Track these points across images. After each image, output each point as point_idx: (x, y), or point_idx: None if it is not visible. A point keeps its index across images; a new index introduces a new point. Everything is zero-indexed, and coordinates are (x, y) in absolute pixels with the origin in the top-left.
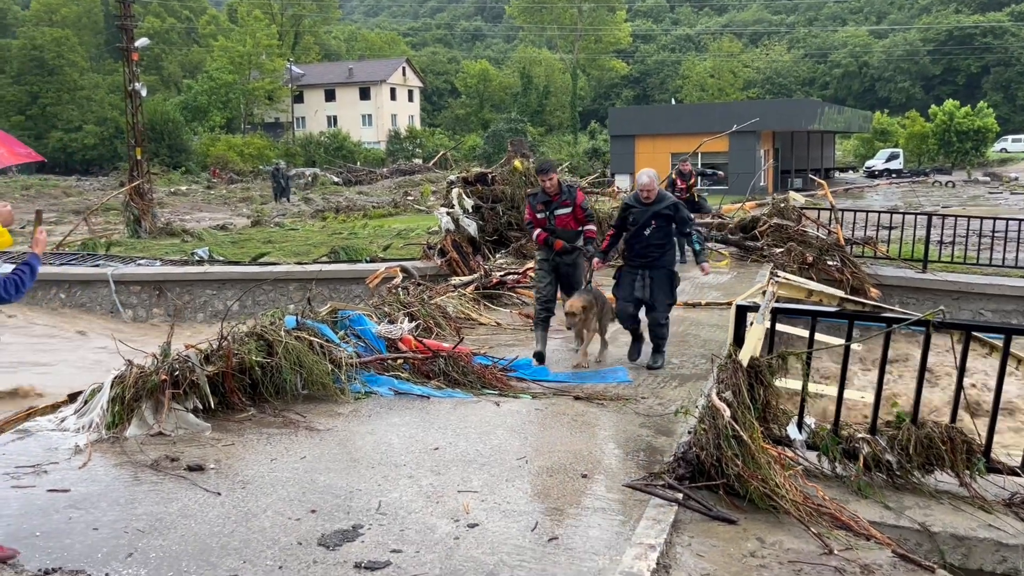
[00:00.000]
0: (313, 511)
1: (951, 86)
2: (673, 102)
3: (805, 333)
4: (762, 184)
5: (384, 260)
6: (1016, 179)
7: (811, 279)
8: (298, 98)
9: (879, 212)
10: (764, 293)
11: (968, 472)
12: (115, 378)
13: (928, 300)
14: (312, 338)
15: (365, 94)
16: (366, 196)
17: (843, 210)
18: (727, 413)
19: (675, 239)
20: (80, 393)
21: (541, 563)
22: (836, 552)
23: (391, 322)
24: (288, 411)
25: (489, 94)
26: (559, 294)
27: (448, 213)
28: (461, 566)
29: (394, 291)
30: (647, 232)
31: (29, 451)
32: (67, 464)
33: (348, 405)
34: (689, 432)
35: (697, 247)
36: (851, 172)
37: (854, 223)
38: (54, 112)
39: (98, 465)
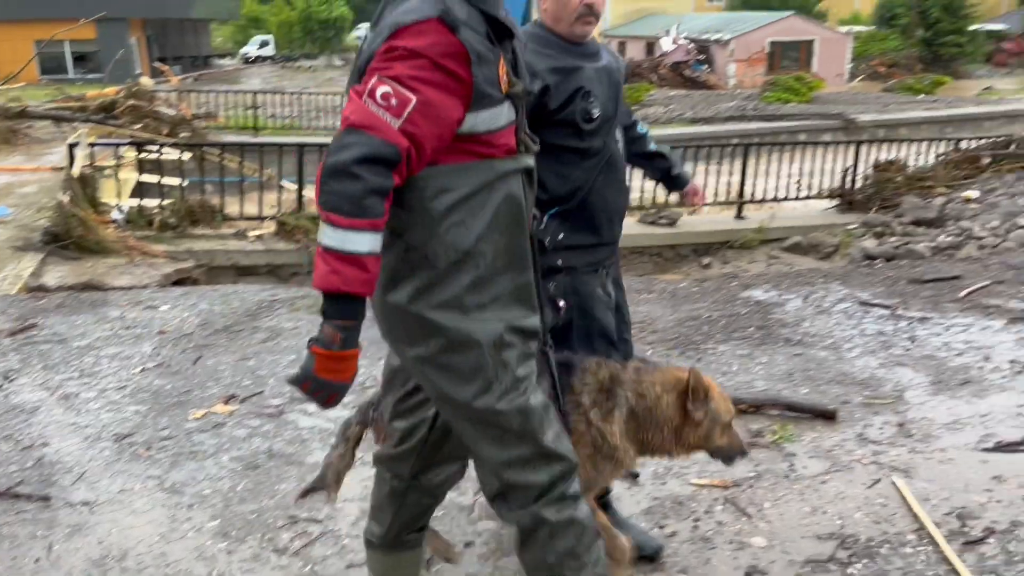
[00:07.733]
0: None
1: None
2: None
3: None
4: (138, 71)
5: None
6: None
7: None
8: None
9: (247, 92)
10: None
11: (213, 223)
12: None
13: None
14: None
15: None
16: None
17: (217, 91)
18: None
19: None
20: None
21: None
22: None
23: None
24: None
25: None
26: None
27: None
28: None
29: None
30: (620, 141)
31: None
32: None
33: None
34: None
35: (667, 152)
36: (229, 58)
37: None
38: None
39: None
